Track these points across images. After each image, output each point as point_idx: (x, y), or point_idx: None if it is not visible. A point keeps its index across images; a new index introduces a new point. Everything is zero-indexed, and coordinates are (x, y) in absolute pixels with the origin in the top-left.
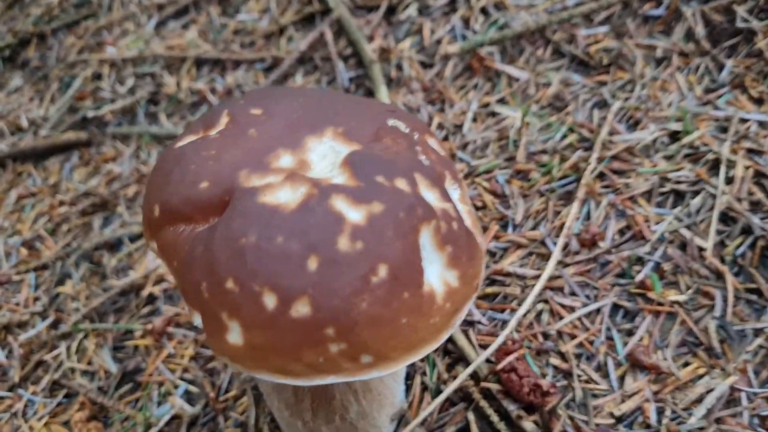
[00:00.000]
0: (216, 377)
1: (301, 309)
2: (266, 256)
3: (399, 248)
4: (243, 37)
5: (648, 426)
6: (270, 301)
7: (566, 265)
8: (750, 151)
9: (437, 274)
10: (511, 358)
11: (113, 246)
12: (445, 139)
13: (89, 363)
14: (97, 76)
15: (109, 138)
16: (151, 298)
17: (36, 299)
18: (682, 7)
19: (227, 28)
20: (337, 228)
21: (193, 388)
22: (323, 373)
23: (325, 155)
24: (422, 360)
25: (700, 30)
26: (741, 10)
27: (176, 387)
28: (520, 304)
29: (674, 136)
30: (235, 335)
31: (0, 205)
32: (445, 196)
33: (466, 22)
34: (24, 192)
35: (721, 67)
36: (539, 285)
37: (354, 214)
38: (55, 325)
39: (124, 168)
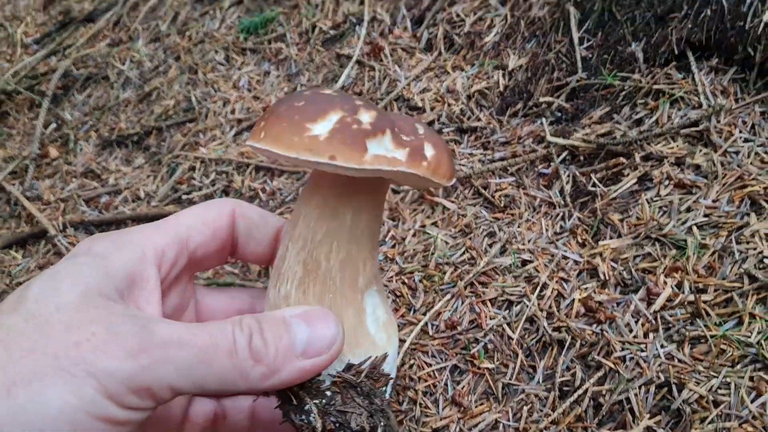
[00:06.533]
0: None
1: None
2: (282, 105)
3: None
4: None
5: None
6: (284, 120)
7: (433, 339)
8: (561, 279)
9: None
10: None
11: None
12: (393, 247)
13: None
14: (192, 169)
15: None
16: None
17: None
18: (561, 169)
19: None
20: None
21: None
22: (291, 150)
23: None
24: None
25: (567, 188)
26: (594, 177)
27: None
28: (402, 358)
29: (525, 263)
30: (264, 131)
31: None
32: None
33: None
34: None
35: (570, 217)
36: (406, 345)
37: None
38: None
39: None
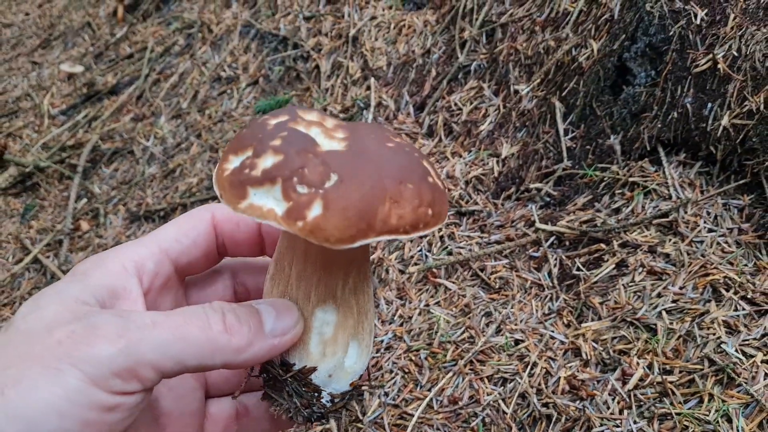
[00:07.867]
0: None
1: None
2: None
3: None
4: None
5: None
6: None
7: (438, 413)
8: (549, 358)
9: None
10: None
11: None
12: (401, 325)
13: None
14: None
15: None
16: None
17: None
18: (549, 253)
19: None
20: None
21: None
22: (215, 181)
23: None
24: None
25: (555, 271)
26: (578, 261)
27: None
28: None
29: (517, 343)
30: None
31: None
32: None
33: (430, 245)
34: None
35: (557, 299)
36: (414, 419)
37: None
38: None
39: None
